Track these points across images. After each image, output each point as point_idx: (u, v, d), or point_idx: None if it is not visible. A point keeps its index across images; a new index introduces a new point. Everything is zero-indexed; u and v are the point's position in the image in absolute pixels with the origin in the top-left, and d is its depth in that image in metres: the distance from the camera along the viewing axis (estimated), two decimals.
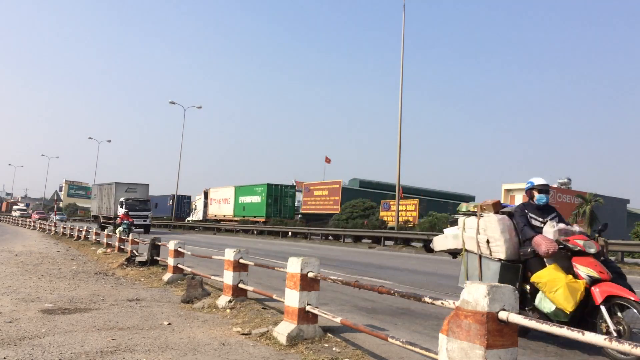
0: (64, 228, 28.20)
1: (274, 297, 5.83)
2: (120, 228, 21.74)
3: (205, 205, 50.18)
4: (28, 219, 50.59)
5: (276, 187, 41.44)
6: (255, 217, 40.83)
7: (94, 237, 21.00)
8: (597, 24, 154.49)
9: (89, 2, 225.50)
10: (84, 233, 22.83)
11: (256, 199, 41.23)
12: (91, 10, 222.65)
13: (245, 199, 42.70)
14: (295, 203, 46.73)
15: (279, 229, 35.47)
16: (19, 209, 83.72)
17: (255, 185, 42.15)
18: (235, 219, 43.45)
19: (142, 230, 32.93)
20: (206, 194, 50.88)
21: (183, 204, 59.16)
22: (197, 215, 52.55)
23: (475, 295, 2.70)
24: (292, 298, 4.85)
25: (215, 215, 48.09)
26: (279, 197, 41.34)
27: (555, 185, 63.82)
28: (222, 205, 46.32)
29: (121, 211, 29.04)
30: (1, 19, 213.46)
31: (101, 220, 38.46)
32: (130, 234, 15.00)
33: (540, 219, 5.29)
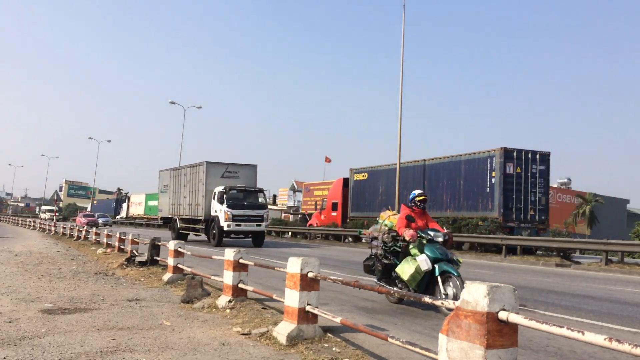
0: (64, 228, 28.19)
1: (274, 297, 5.83)
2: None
3: (128, 207, 63.65)
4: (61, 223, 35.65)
5: None
6: (156, 215, 50.10)
7: (93, 237, 21.00)
8: (596, 24, 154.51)
9: (89, 2, 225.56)
10: (83, 233, 22.83)
11: (156, 203, 48.61)
12: (91, 10, 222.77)
13: (151, 203, 55.06)
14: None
15: (279, 229, 35.46)
16: (48, 210, 72.11)
17: (156, 193, 50.26)
18: (145, 217, 55.93)
19: (251, 239, 21.59)
20: (128, 198, 65.99)
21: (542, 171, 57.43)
22: (122, 214, 67.26)
23: (475, 295, 2.70)
24: (292, 298, 4.85)
25: (132, 214, 62.17)
26: None
27: (555, 185, 63.95)
28: (137, 207, 60.05)
29: (220, 208, 20.54)
30: (1, 19, 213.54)
31: (179, 226, 24.84)
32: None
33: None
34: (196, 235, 24.29)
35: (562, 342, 5.07)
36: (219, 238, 20.81)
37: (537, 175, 20.65)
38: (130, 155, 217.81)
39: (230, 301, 6.61)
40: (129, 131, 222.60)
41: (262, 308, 6.38)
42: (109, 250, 15.79)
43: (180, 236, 23.90)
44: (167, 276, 9.44)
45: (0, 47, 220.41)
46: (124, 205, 66.22)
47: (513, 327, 2.68)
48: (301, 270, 4.79)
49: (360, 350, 4.49)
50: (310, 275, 4.79)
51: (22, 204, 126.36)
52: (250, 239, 21.81)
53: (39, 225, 38.87)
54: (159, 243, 11.84)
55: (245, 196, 21.40)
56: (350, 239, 28.00)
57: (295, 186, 70.35)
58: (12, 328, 5.27)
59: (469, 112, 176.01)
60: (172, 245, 9.57)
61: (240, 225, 20.63)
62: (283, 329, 4.83)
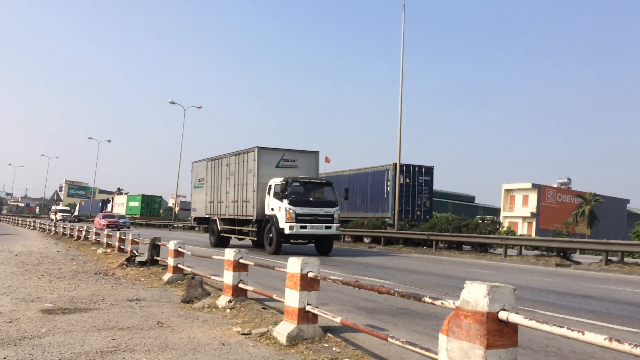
0: (64, 228, 28.18)
1: (274, 297, 5.83)
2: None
3: (112, 207, 68.78)
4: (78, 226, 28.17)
5: (147, 197, 62.21)
6: (135, 215, 59.70)
7: (94, 237, 21.00)
8: (596, 23, 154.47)
9: (89, 2, 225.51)
10: (84, 233, 22.83)
11: (136, 204, 61.79)
12: (92, 10, 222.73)
13: (131, 203, 62.92)
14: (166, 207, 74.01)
15: None
16: (60, 211, 63.98)
17: (136, 195, 63.70)
18: (127, 216, 60.71)
19: (314, 245, 17.90)
20: (112, 199, 72.53)
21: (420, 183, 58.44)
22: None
23: (475, 295, 2.70)
24: (292, 298, 4.85)
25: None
26: (150, 203, 61.77)
27: (555, 185, 64.05)
28: (120, 207, 65.75)
29: (278, 205, 16.51)
30: (1, 19, 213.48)
31: (220, 228, 20.37)
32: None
33: None
34: (240, 239, 19.60)
35: (562, 342, 5.07)
36: (277, 244, 16.57)
37: (423, 184, 26.64)
38: (130, 155, 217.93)
39: (230, 301, 6.61)
40: (129, 131, 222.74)
41: (262, 308, 6.38)
42: (109, 250, 15.79)
43: (222, 241, 19.83)
44: (167, 276, 9.44)
45: (0, 47, 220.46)
46: (109, 206, 71.33)
47: (513, 327, 2.68)
48: (301, 270, 4.79)
49: (360, 350, 4.49)
50: (310, 275, 4.79)
51: (22, 204, 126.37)
52: (314, 245, 17.79)
53: (39, 225, 38.84)
54: (159, 243, 11.84)
55: (310, 190, 17.14)
56: (350, 239, 28.08)
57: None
58: (12, 328, 5.27)
59: (469, 112, 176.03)
60: (172, 245, 9.56)
61: (305, 227, 16.26)
62: (283, 329, 4.83)
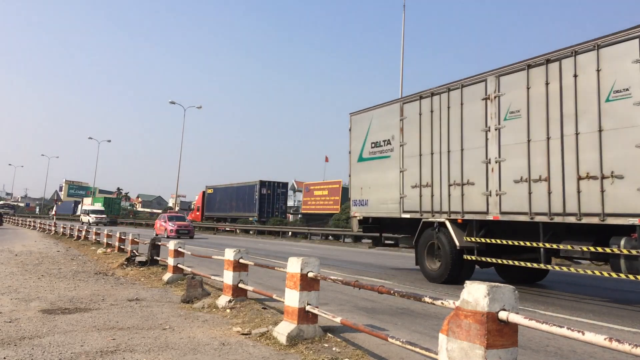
0: (64, 228, 28.18)
1: (274, 297, 5.83)
2: None
3: (81, 208, 73.93)
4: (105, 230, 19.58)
5: (109, 198, 69.79)
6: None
7: (94, 237, 20.99)
8: (595, 23, 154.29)
9: (90, 3, 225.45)
10: (83, 233, 22.82)
11: (99, 205, 66.45)
12: (92, 11, 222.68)
13: (96, 205, 66.85)
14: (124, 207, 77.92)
15: (279, 229, 35.46)
16: (93, 212, 54.41)
17: (99, 197, 72.00)
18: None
19: None
20: (82, 201, 77.56)
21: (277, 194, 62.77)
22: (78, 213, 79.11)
23: (476, 295, 2.70)
24: (292, 298, 4.85)
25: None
26: (111, 204, 66.58)
27: None
28: (87, 207, 71.96)
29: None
30: (3, 20, 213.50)
31: (472, 242, 9.25)
32: None
33: None
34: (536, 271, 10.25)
35: (562, 342, 5.07)
36: None
37: (280, 194, 41.57)
38: (130, 155, 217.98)
39: (230, 301, 6.61)
40: (129, 131, 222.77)
41: (262, 308, 6.38)
42: (109, 250, 15.78)
43: (465, 269, 9.83)
44: (167, 276, 9.44)
45: (0, 47, 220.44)
46: (80, 206, 78.31)
47: (513, 327, 2.68)
48: (301, 270, 4.79)
49: (361, 350, 4.49)
50: (310, 275, 4.79)
51: (22, 204, 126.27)
52: None
53: (39, 225, 38.82)
54: (159, 243, 11.84)
55: None
56: (350, 239, 28.08)
57: (295, 186, 70.46)
58: (12, 328, 5.27)
59: None
60: (172, 245, 9.57)
61: None
62: (283, 329, 4.83)
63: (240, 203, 41.88)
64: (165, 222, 29.76)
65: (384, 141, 11.68)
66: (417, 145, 10.63)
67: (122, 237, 15.46)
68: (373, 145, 12.08)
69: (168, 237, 25.52)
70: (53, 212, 77.05)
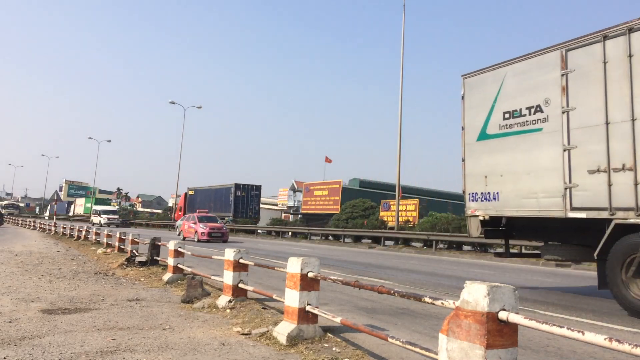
0: (64, 228, 28.18)
1: (274, 297, 5.83)
2: None
3: (74, 208, 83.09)
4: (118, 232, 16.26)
5: (101, 199, 75.07)
6: (89, 214, 67.86)
7: (94, 237, 20.99)
8: (595, 22, 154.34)
9: (90, 3, 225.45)
10: (84, 233, 22.83)
11: (89, 205, 73.30)
12: (92, 11, 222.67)
13: (87, 204, 76.31)
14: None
15: (279, 229, 35.47)
16: (105, 212, 52.39)
17: (91, 197, 78.17)
18: (84, 215, 71.31)
19: None
20: (75, 202, 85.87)
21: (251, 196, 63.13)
22: (70, 212, 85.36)
23: (475, 295, 2.70)
24: (292, 298, 4.85)
25: (77, 213, 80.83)
26: (103, 205, 68.59)
27: None
28: (80, 208, 79.79)
29: None
30: (2, 20, 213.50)
31: None
32: None
33: None
34: None
35: (562, 342, 5.07)
36: None
37: (254, 196, 44.35)
38: (130, 155, 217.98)
39: (230, 301, 6.62)
40: (129, 131, 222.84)
41: (262, 308, 6.38)
42: (109, 250, 15.79)
43: None
44: (167, 276, 9.44)
45: (0, 47, 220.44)
46: (72, 207, 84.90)
47: (513, 327, 2.68)
48: (301, 270, 4.79)
49: (361, 350, 4.49)
50: (310, 275, 4.79)
51: (22, 204, 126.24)
52: None
53: (39, 225, 38.82)
54: (159, 243, 11.84)
55: None
56: (350, 239, 28.11)
57: (295, 186, 70.52)
58: (12, 328, 5.27)
59: None
60: (172, 245, 9.57)
61: None
62: (283, 329, 4.83)
63: (218, 204, 45.42)
64: (195, 223, 25.46)
65: (530, 108, 8.37)
66: (601, 108, 7.28)
67: (122, 237, 15.46)
68: (507, 115, 8.76)
69: (199, 240, 22.65)
70: (50, 213, 78.51)
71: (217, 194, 45.13)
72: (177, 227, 31.27)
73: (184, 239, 21.77)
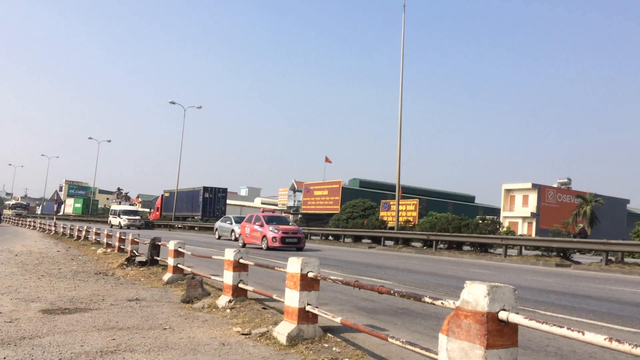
0: (64, 228, 28.18)
1: (274, 297, 5.83)
2: None
3: (64, 207, 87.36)
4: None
5: (87, 199, 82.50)
6: (77, 213, 77.74)
7: (94, 237, 20.99)
8: (596, 24, 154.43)
9: (90, 2, 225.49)
10: (84, 233, 22.83)
11: (78, 205, 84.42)
12: (92, 10, 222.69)
13: (77, 205, 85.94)
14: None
15: None
16: (125, 212, 45.39)
17: (79, 198, 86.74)
18: (72, 215, 76.38)
19: None
20: (65, 202, 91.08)
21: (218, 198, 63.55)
22: (61, 212, 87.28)
23: (476, 295, 2.70)
24: (292, 298, 4.85)
25: (66, 213, 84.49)
26: (89, 205, 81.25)
27: (555, 185, 64.00)
28: (69, 207, 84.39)
29: None
30: (2, 19, 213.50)
31: None
32: None
33: None
34: None
35: (562, 342, 5.07)
36: None
37: (220, 198, 48.35)
38: (130, 155, 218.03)
39: (230, 301, 6.61)
40: (129, 131, 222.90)
41: (262, 308, 6.38)
42: (109, 250, 15.79)
43: None
44: (167, 276, 9.44)
45: (0, 47, 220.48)
46: (63, 206, 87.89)
47: (513, 327, 2.68)
48: (301, 270, 4.79)
49: (360, 350, 4.49)
50: (310, 275, 4.79)
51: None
52: None
53: (39, 225, 38.80)
54: (159, 243, 11.84)
55: None
56: (350, 239, 28.11)
57: (295, 186, 70.56)
58: (12, 328, 5.27)
59: (469, 112, 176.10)
60: (172, 245, 9.57)
61: None
62: (283, 329, 4.83)
63: (188, 205, 49.82)
64: (261, 225, 20.31)
65: None
66: None
67: (122, 237, 15.47)
68: None
69: (269, 248, 18.46)
70: (42, 213, 79.18)
71: (188, 195, 49.32)
72: (218, 229, 29.08)
73: (244, 245, 17.72)
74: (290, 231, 19.90)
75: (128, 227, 39.04)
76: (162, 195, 56.84)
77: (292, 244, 19.58)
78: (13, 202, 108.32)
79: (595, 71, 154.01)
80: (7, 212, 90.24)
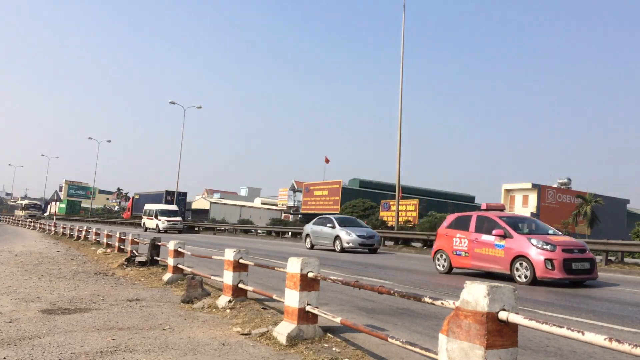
0: (64, 228, 28.18)
1: (274, 297, 5.83)
2: None
3: (50, 207, 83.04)
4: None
5: (71, 201, 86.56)
6: (61, 213, 78.22)
7: (93, 237, 20.99)
8: (596, 25, 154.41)
9: (90, 3, 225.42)
10: (83, 233, 22.82)
11: (62, 206, 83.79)
12: (92, 11, 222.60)
13: (61, 205, 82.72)
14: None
15: (279, 229, 35.47)
16: (163, 213, 36.77)
17: (64, 199, 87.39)
18: (58, 214, 75.14)
19: None
20: (52, 202, 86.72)
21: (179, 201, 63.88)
22: (47, 212, 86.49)
23: (475, 295, 2.70)
24: (292, 298, 4.85)
25: (52, 212, 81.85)
26: (72, 205, 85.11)
27: (555, 185, 64.02)
28: (54, 207, 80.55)
29: None
30: (2, 20, 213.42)
31: None
32: None
33: None
34: None
35: (562, 342, 5.07)
36: None
37: (180, 201, 51.53)
38: (130, 155, 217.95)
39: (230, 301, 6.61)
40: (129, 131, 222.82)
41: (262, 308, 6.37)
42: (109, 250, 15.79)
43: None
44: (167, 276, 9.44)
45: (0, 47, 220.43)
46: (49, 207, 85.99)
47: (513, 327, 2.68)
48: (301, 270, 4.79)
49: (360, 350, 4.49)
50: (310, 275, 4.79)
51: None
52: None
53: (39, 225, 38.78)
54: (159, 243, 11.84)
55: None
56: None
57: (295, 186, 70.60)
58: (12, 328, 5.27)
59: (470, 112, 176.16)
60: (172, 245, 9.57)
61: None
62: (283, 329, 4.83)
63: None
64: (503, 237, 10.71)
65: None
66: None
67: (122, 237, 15.46)
68: None
69: (537, 280, 10.20)
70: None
71: (154, 198, 54.42)
72: (311, 234, 21.64)
73: (450, 269, 12.14)
74: (366, 235, 17.41)
75: (166, 231, 32.53)
76: (133, 197, 65.06)
77: (367, 245, 17.80)
78: (26, 201, 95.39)
79: (595, 71, 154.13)
80: (19, 213, 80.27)
